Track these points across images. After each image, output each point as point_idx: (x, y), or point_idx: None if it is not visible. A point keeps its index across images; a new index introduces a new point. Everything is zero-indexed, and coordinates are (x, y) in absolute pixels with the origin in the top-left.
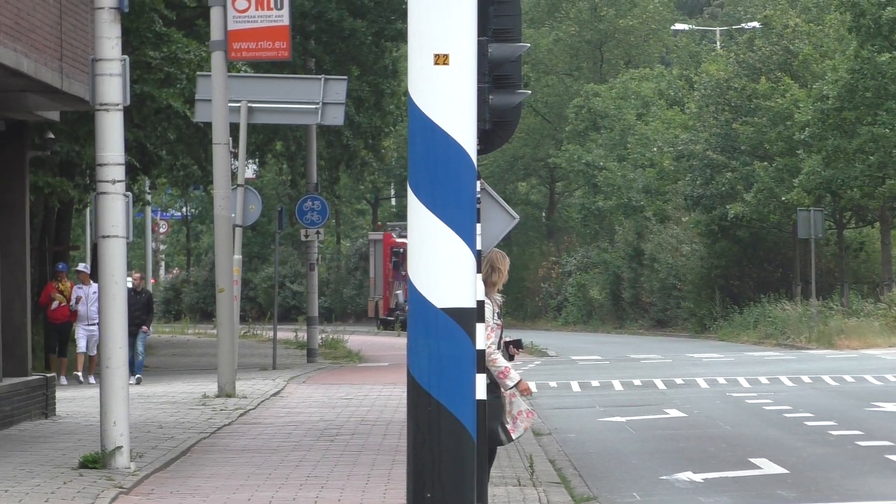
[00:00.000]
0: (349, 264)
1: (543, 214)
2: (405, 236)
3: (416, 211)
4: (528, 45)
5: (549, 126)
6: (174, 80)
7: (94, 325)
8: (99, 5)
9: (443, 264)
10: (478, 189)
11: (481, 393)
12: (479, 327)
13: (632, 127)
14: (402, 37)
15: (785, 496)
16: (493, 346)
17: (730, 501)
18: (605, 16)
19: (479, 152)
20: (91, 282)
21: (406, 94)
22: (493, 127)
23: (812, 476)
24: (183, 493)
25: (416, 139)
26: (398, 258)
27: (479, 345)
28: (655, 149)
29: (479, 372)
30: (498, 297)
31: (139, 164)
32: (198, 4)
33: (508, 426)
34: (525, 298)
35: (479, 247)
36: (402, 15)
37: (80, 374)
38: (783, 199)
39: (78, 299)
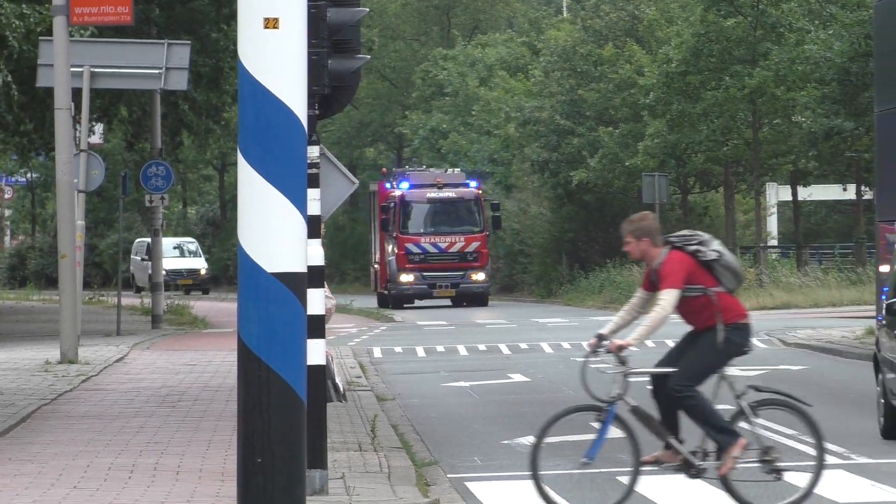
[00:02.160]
0: (196, 230)
1: None
2: (409, 184)
3: (246, 175)
4: (367, 9)
5: (396, 91)
6: (4, 45)
7: None
8: None
9: (273, 229)
10: (317, 154)
11: (313, 358)
12: (313, 292)
13: (476, 94)
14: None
15: (625, 459)
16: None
17: (570, 465)
18: None
19: (319, 117)
20: None
21: None
22: (332, 91)
23: (652, 439)
24: (22, 459)
25: (246, 103)
26: (387, 215)
27: (312, 310)
28: (502, 117)
29: (311, 337)
30: None
31: None
32: None
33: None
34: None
35: (318, 212)
36: None
37: None
38: (627, 164)
39: None
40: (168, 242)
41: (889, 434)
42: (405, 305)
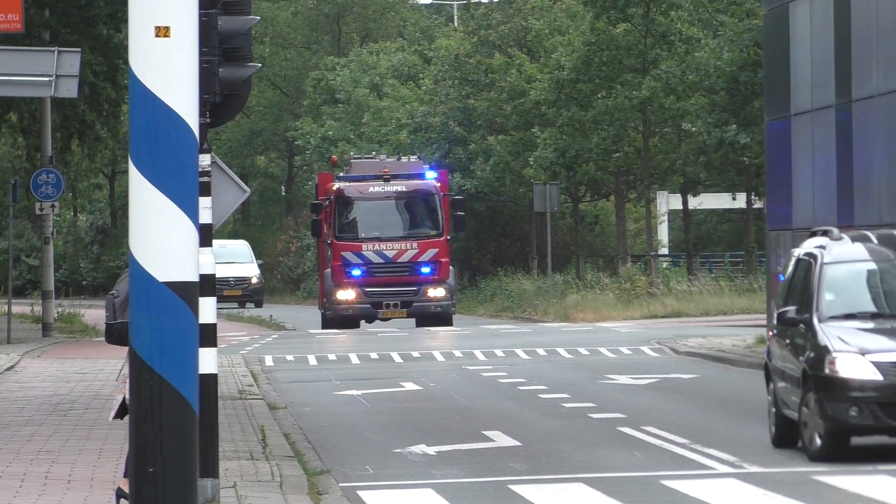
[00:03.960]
0: (86, 238)
1: (283, 188)
2: (356, 176)
3: (137, 184)
4: (258, 17)
5: (287, 100)
6: None
7: None
8: None
9: (164, 238)
10: (208, 162)
11: (206, 367)
12: (205, 301)
13: (367, 102)
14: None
15: (517, 468)
16: None
17: (461, 474)
18: None
19: (211, 125)
20: None
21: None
22: (223, 100)
23: (544, 448)
24: None
25: (137, 111)
26: (318, 215)
27: (204, 318)
28: (393, 123)
29: (203, 346)
30: None
31: None
32: None
33: None
34: (264, 273)
35: (210, 220)
36: None
37: None
38: (521, 172)
39: None
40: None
41: (780, 443)
42: (354, 329)
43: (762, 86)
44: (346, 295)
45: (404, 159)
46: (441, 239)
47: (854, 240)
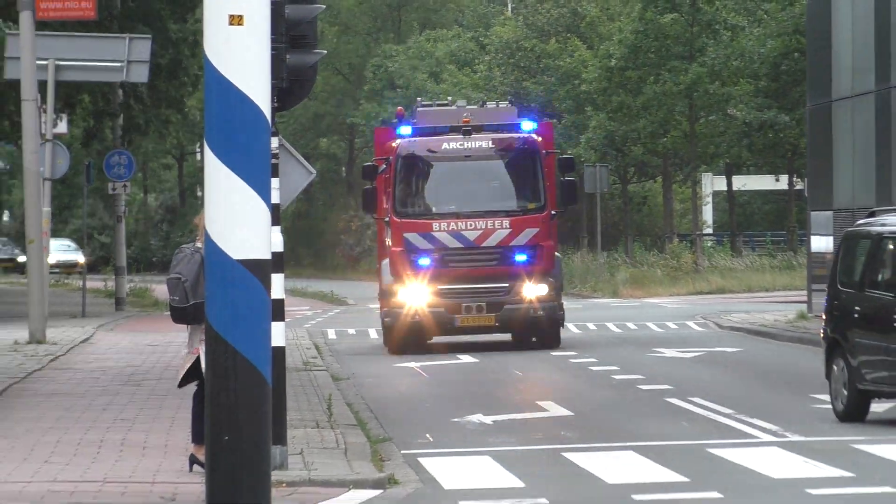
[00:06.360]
0: (156, 217)
1: (344, 169)
2: (412, 128)
3: (213, 166)
4: (324, 6)
5: (350, 86)
6: None
7: None
8: None
9: (238, 218)
10: (276, 145)
11: (274, 340)
12: (276, 277)
13: (425, 88)
14: (196, 5)
15: (569, 437)
16: None
17: (516, 442)
18: None
19: (277, 110)
20: None
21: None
22: (290, 85)
23: (595, 418)
24: None
25: (212, 97)
26: (373, 182)
27: (275, 294)
28: None
29: (275, 320)
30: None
31: None
32: None
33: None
34: (326, 251)
35: (277, 200)
36: None
37: None
38: (569, 153)
39: None
40: None
41: (849, 417)
42: (423, 345)
43: (804, 72)
44: (410, 296)
45: (491, 105)
46: (543, 214)
47: None
